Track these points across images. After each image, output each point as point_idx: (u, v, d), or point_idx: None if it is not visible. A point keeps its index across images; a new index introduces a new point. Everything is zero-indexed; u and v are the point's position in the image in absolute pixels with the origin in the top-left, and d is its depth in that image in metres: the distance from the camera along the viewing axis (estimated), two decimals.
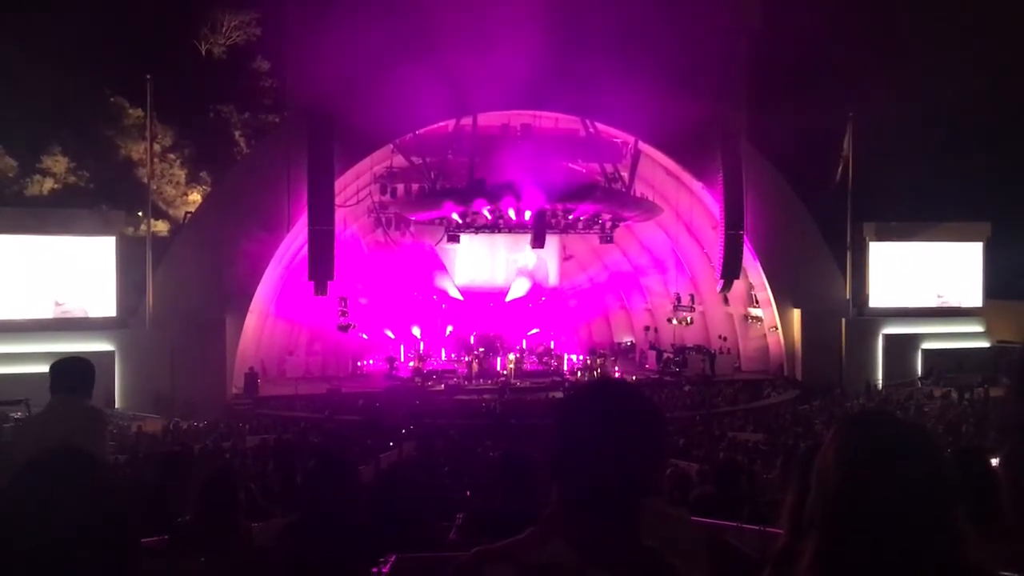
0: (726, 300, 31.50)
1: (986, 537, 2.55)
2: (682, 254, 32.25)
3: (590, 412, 1.69)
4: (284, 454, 7.95)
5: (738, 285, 29.59)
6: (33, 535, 1.55)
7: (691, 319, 31.60)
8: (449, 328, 32.04)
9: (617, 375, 29.00)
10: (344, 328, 27.90)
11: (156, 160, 30.25)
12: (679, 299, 31.38)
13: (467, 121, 27.98)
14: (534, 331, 32.69)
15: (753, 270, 29.81)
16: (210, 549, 3.64)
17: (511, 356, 29.69)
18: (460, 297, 32.28)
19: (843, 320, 29.77)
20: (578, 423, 1.68)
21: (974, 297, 31.21)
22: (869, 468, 1.55)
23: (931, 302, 31.02)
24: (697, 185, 29.58)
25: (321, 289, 25.71)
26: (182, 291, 24.96)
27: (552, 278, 33.68)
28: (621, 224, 29.95)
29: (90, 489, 1.61)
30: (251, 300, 26.32)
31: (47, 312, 24.67)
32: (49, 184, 31.40)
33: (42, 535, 1.55)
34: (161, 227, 31.10)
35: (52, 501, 1.58)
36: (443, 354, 31.33)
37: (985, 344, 30.30)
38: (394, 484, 6.53)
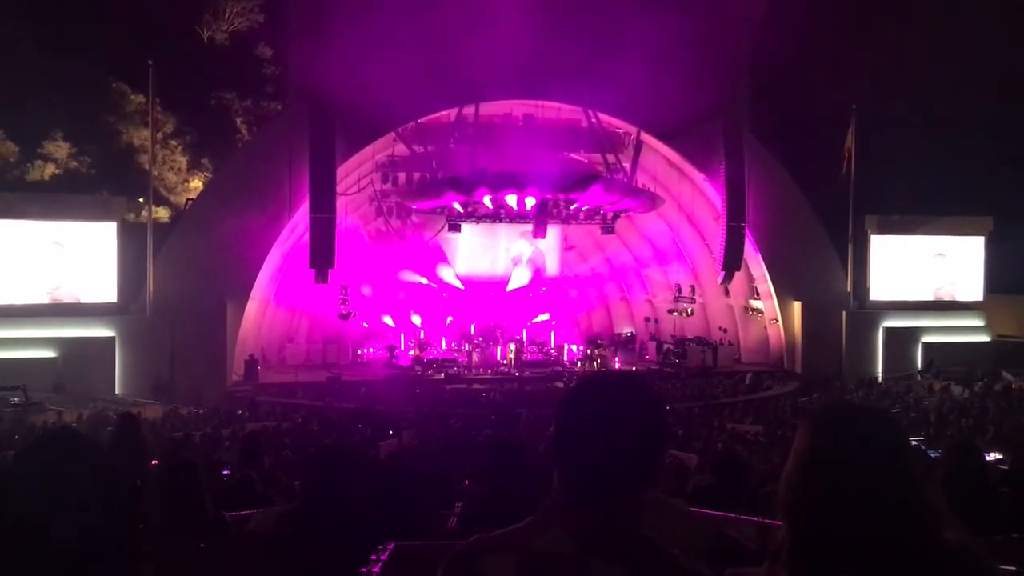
0: (727, 292, 31.49)
1: (973, 528, 2.55)
2: (683, 245, 32.22)
3: (594, 402, 1.68)
4: (251, 445, 7.87)
5: (739, 277, 29.56)
6: (33, 515, 1.55)
7: (691, 310, 31.59)
8: (449, 318, 32.05)
9: (617, 366, 29.00)
10: (345, 316, 27.94)
11: (158, 146, 30.23)
12: (680, 290, 31.36)
13: (469, 110, 27.92)
14: (544, 316, 32.61)
15: (754, 262, 29.78)
16: (174, 537, 3.63)
17: (511, 346, 29.70)
18: (461, 286, 32.26)
19: (844, 313, 29.77)
20: (581, 413, 1.68)
21: (975, 291, 31.21)
22: (828, 457, 1.56)
23: (932, 296, 31.07)
24: (699, 176, 29.53)
25: (322, 277, 25.71)
26: (183, 277, 24.96)
27: (552, 268, 33.64)
28: (623, 215, 29.92)
29: (88, 470, 1.61)
30: (252, 287, 26.29)
31: (47, 298, 24.69)
32: (50, 169, 31.38)
33: (41, 515, 1.54)
34: (162, 213, 31.11)
35: (50, 481, 1.58)
36: (443, 343, 31.37)
37: (985, 338, 30.32)
38: (393, 472, 6.54)
